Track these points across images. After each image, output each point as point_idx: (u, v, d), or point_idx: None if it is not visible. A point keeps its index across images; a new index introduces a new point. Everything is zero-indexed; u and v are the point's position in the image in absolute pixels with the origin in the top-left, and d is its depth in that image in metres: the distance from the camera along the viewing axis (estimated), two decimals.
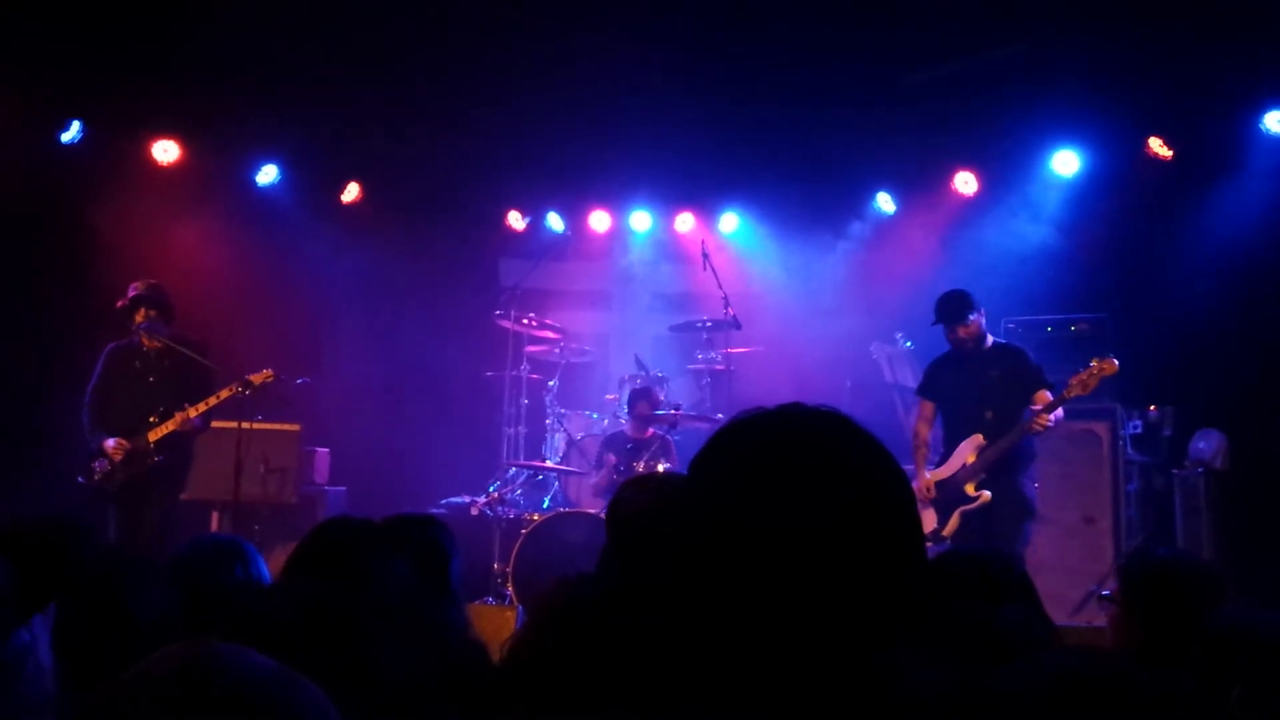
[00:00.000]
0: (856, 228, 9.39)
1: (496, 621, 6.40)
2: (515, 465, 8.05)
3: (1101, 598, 2.93)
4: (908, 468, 6.26)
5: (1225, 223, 7.70)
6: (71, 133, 8.35)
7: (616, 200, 9.78)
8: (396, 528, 2.70)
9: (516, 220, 9.80)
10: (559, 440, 8.26)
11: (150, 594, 2.36)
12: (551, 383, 8.36)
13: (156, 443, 6.42)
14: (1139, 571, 2.75)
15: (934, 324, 6.38)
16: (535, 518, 7.08)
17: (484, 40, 8.29)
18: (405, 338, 9.04)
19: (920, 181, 9.06)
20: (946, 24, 8.04)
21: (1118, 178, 8.35)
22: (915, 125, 8.50)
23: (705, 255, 8.18)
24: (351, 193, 9.37)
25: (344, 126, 8.89)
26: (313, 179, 9.24)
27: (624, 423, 7.92)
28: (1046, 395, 6.15)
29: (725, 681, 1.14)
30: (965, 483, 6.19)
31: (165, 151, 8.71)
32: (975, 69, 8.19)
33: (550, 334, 8.48)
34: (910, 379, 8.22)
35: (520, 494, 7.93)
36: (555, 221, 9.81)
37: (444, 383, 9.03)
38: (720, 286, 8.04)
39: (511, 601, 6.72)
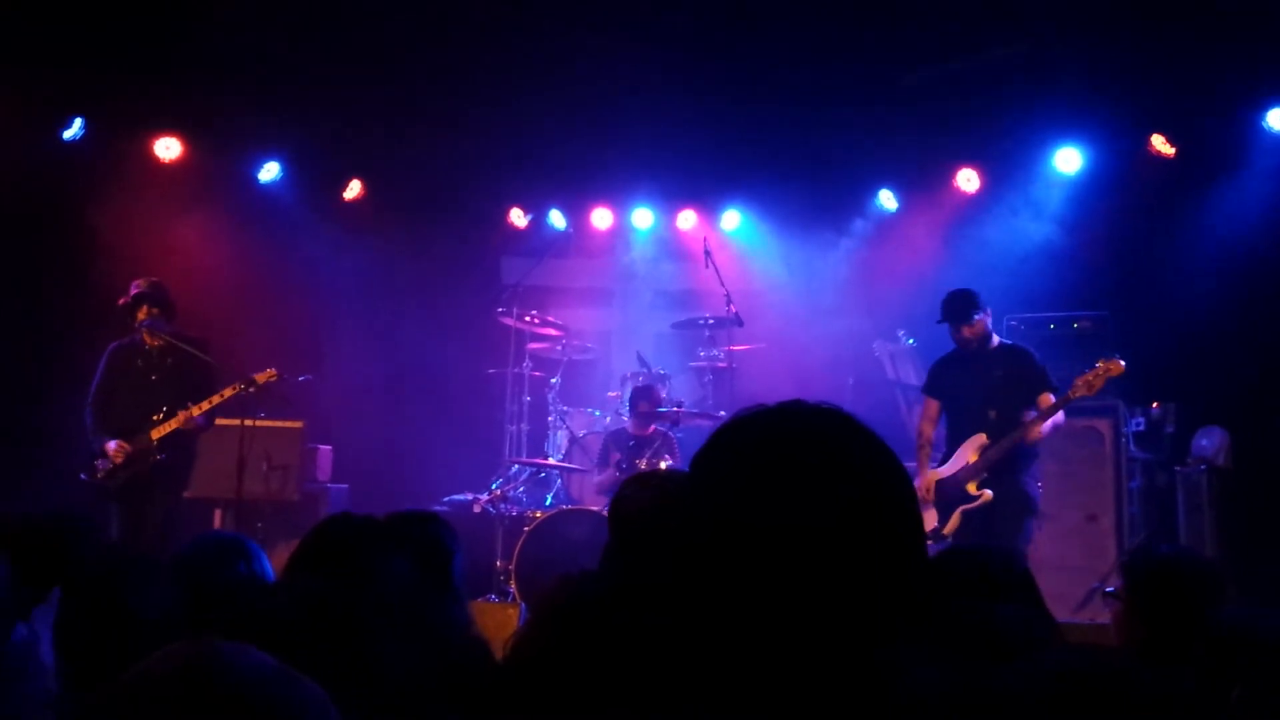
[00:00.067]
0: (859, 225, 9.37)
1: (499, 619, 6.40)
2: (517, 463, 8.04)
3: (1105, 594, 2.93)
4: (910, 465, 6.27)
5: (1227, 220, 7.71)
6: (73, 130, 8.35)
7: (618, 198, 9.77)
8: (399, 525, 2.70)
9: (518, 217, 9.78)
10: (561, 437, 8.27)
11: (153, 592, 2.36)
12: (554, 380, 8.35)
13: (159, 441, 6.41)
14: (1142, 569, 2.75)
15: (939, 322, 6.36)
16: (537, 515, 7.08)
17: (484, 40, 8.29)
18: (407, 335, 9.03)
19: (922, 179, 9.06)
20: (946, 24, 8.04)
21: (1119, 176, 8.36)
22: (916, 124, 8.50)
23: (707, 252, 8.18)
24: (353, 190, 9.37)
25: (345, 125, 8.89)
26: (314, 177, 9.24)
27: (626, 420, 7.91)
28: (1049, 398, 6.13)
29: (727, 679, 1.14)
30: (967, 481, 6.18)
31: (167, 149, 8.70)
32: (975, 69, 8.19)
33: (552, 331, 8.47)
34: (912, 376, 8.21)
35: (522, 491, 7.93)
36: (557, 219, 9.81)
37: (446, 380, 9.02)
38: (722, 284, 8.03)
39: (514, 599, 6.72)
